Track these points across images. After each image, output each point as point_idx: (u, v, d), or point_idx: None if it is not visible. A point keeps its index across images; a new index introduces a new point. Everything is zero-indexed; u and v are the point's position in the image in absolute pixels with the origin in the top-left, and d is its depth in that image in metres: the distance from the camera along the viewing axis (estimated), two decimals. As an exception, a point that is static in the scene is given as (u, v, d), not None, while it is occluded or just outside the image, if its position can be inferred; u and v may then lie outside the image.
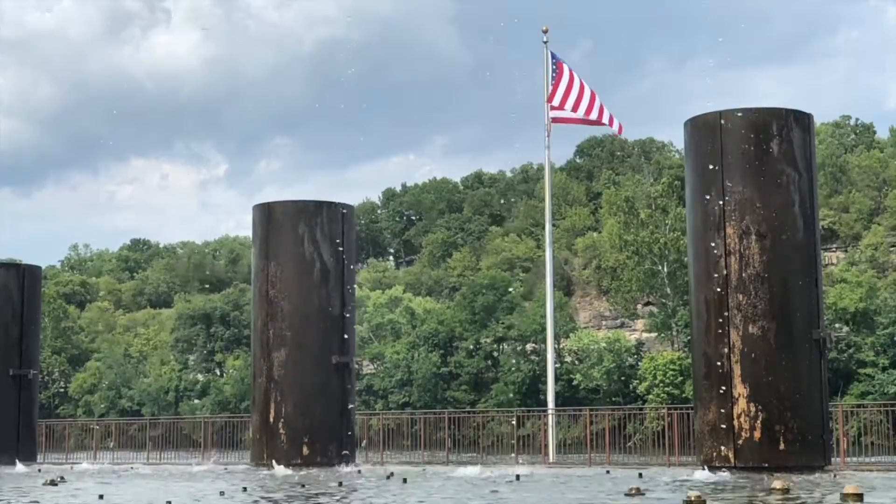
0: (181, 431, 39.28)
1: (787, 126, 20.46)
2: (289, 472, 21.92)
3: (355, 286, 27.61)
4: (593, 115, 31.84)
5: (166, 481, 20.19)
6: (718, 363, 19.84)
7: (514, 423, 34.77)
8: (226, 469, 25.14)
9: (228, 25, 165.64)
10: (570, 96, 31.71)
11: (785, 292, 19.91)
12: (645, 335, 67.54)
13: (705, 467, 19.71)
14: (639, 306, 69.08)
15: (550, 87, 32.03)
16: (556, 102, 31.58)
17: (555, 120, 31.99)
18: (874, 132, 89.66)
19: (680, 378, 56.57)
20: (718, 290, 19.99)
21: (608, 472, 21.66)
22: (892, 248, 67.89)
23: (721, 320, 19.93)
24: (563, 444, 34.91)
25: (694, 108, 66.82)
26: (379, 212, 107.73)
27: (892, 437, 29.79)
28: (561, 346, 62.61)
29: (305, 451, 24.04)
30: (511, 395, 60.91)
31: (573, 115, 31.99)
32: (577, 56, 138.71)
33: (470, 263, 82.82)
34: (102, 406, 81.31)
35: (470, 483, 17.97)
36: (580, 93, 31.77)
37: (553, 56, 32.28)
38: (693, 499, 11.96)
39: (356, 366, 25.59)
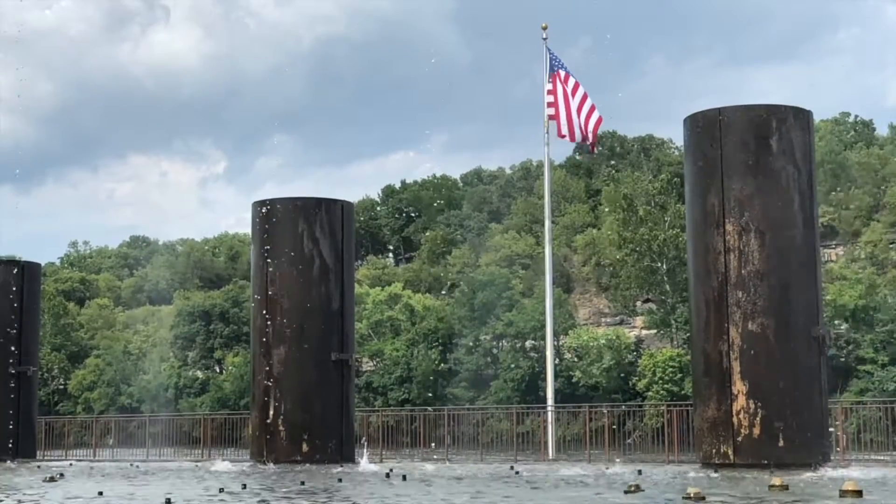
0: (180, 429, 39.31)
1: (787, 123, 20.46)
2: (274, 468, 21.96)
3: (354, 283, 27.59)
4: (577, 136, 32.88)
5: (166, 478, 20.18)
6: (718, 360, 19.84)
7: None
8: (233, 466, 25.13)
9: (227, 23, 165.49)
10: (571, 118, 32.55)
11: (784, 289, 19.91)
12: (644, 332, 67.49)
13: (705, 464, 19.72)
14: (638, 303, 69.03)
15: (548, 92, 32.38)
16: (564, 131, 32.74)
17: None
18: (874, 129, 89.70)
19: (679, 375, 56.49)
20: (717, 287, 19.99)
21: (607, 468, 21.66)
22: (891, 245, 67.79)
23: (720, 317, 19.93)
24: (563, 440, 34.92)
25: (693, 105, 66.80)
26: (378, 209, 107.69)
27: (892, 434, 29.81)
28: (560, 343, 62.54)
29: (305, 448, 24.05)
30: (510, 391, 60.89)
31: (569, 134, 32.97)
32: (576, 53, 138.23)
33: (469, 260, 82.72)
34: (102, 403, 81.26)
35: (469, 480, 17.97)
36: (575, 108, 32.49)
37: (553, 63, 32.45)
38: (692, 495, 11.99)
39: (355, 363, 25.57)
